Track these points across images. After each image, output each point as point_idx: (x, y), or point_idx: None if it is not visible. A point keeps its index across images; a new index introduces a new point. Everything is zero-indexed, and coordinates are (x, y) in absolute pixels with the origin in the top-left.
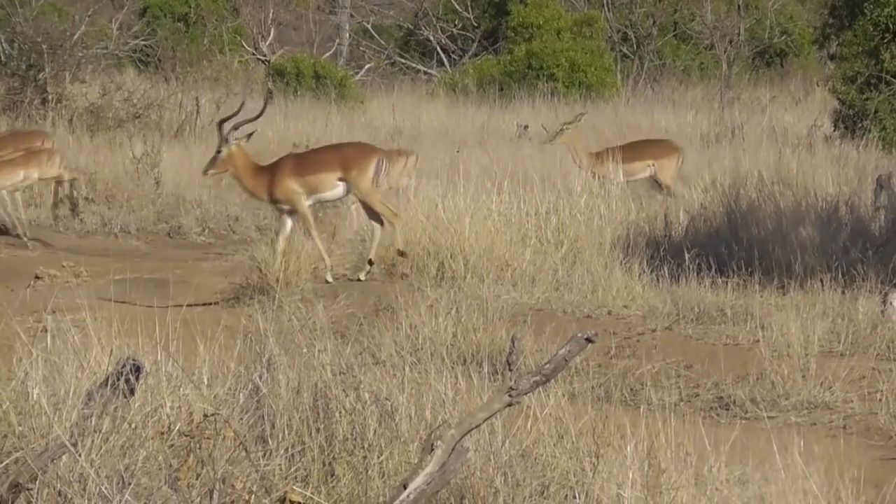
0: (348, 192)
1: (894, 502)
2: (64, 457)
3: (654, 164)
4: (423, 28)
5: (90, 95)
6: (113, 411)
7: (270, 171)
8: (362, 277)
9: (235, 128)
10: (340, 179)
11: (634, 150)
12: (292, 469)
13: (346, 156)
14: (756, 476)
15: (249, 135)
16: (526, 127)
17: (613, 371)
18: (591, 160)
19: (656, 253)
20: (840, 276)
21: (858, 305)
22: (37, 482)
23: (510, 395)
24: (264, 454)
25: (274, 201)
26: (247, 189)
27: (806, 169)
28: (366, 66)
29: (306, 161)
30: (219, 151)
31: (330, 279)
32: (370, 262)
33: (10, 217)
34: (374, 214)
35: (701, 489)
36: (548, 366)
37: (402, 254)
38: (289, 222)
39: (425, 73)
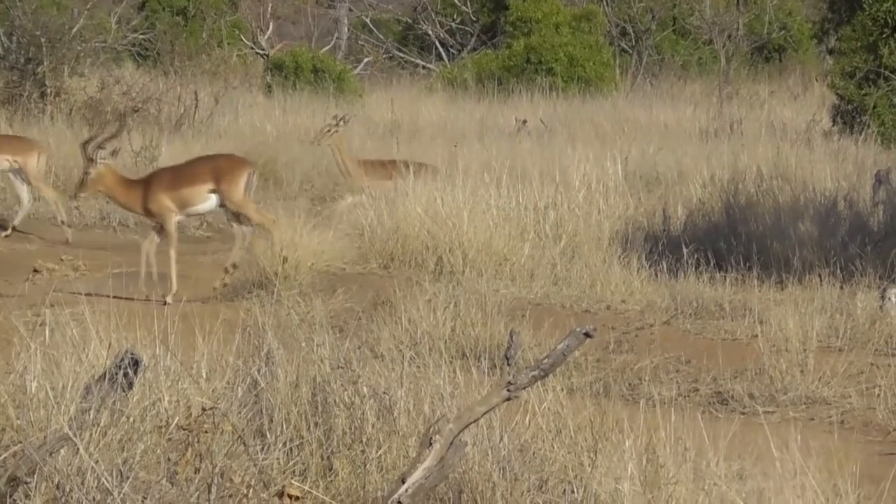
0: (221, 204)
1: (892, 497)
2: (62, 450)
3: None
4: (421, 22)
5: (89, 89)
6: (111, 405)
7: (144, 185)
8: (217, 285)
9: (100, 147)
10: (212, 191)
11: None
12: (290, 463)
13: (217, 167)
14: (754, 471)
15: (114, 152)
16: (525, 122)
17: (612, 366)
18: (358, 167)
19: (655, 248)
20: (838, 271)
21: (857, 300)
22: (35, 476)
23: (508, 390)
24: (262, 448)
25: (148, 214)
26: (122, 204)
27: (804, 164)
28: (364, 60)
29: (179, 174)
30: (87, 173)
31: (170, 300)
32: (233, 267)
33: None
34: (245, 221)
35: (699, 484)
36: (546, 360)
37: (234, 267)
38: (155, 236)
39: (424, 67)
